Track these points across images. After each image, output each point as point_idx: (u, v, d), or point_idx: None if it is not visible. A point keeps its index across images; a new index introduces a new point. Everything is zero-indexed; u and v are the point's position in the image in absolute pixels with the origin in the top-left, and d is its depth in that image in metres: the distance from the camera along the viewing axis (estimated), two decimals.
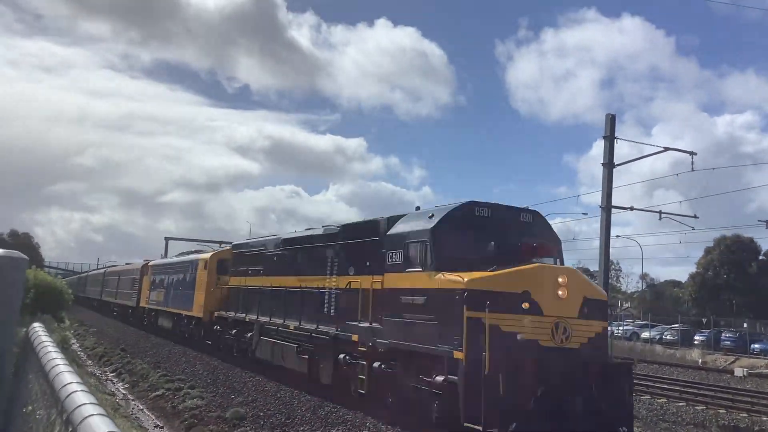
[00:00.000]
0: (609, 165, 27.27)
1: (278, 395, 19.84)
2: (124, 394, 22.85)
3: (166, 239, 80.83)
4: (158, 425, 18.06)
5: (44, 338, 3.09)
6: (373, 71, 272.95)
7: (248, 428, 16.18)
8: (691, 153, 28.12)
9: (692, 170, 27.99)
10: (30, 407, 2.49)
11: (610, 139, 27.27)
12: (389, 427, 15.39)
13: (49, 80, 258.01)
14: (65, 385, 2.02)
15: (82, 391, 1.93)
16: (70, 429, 1.74)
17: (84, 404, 1.80)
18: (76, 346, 34.45)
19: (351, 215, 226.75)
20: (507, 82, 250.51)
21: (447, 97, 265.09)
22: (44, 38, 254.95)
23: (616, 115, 28.73)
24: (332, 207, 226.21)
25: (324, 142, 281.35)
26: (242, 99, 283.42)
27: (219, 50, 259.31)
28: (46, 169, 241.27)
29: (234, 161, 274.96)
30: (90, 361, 30.56)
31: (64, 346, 21.22)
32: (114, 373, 27.32)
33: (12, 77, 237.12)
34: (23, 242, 72.04)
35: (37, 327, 3.62)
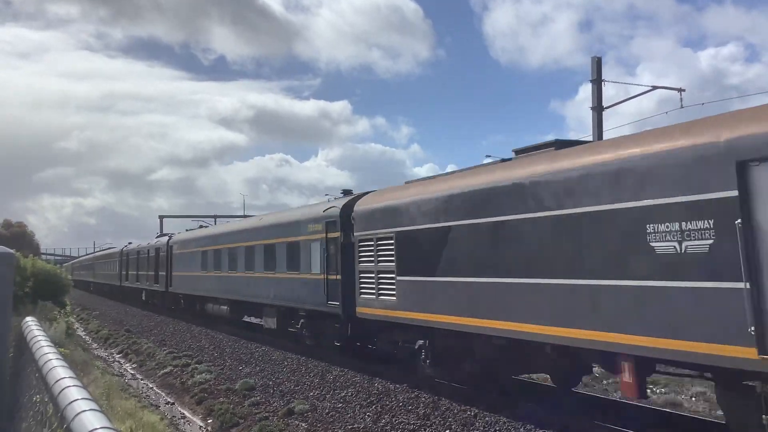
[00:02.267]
0: (598, 108, 27.09)
1: (285, 363, 19.99)
2: (132, 374, 23.01)
3: (161, 217, 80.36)
4: (169, 402, 18.21)
5: (37, 332, 3.06)
6: (349, 31, 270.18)
7: (259, 397, 16.34)
8: (680, 90, 27.90)
9: (681, 107, 27.84)
10: (35, 398, 2.48)
11: (597, 83, 27.06)
12: (397, 385, 15.54)
13: (27, 66, 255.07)
14: (58, 380, 1.99)
15: (75, 386, 1.90)
16: (65, 425, 1.71)
17: (76, 400, 1.76)
18: (80, 331, 34.58)
19: (343, 179, 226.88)
20: (485, 33, 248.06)
21: (426, 52, 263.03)
22: (16, 24, 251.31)
23: (592, 57, 28.34)
24: (323, 172, 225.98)
25: (308, 107, 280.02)
26: (221, 70, 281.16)
27: (190, 22, 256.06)
28: (33, 156, 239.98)
29: (219, 134, 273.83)
30: (96, 344, 30.71)
31: (68, 332, 21.28)
32: (120, 354, 27.47)
33: None
34: (18, 232, 71.66)
35: (30, 321, 3.59)
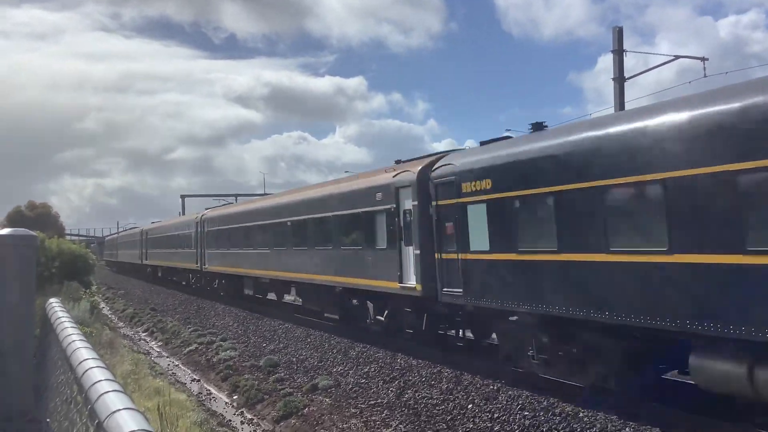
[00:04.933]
0: (620, 79, 26.69)
1: (308, 340, 20.15)
2: (158, 351, 23.33)
3: (182, 197, 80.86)
4: (195, 378, 18.48)
5: (61, 314, 3.10)
6: (358, 6, 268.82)
7: (283, 374, 16.51)
8: (703, 59, 27.38)
9: (705, 76, 27.38)
10: (61, 378, 2.53)
11: (618, 53, 26.62)
12: (420, 361, 15.60)
13: (44, 47, 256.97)
14: (82, 361, 2.02)
15: (98, 367, 1.92)
16: (89, 406, 1.73)
17: (100, 381, 1.78)
18: (106, 310, 35.08)
19: (361, 156, 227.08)
20: (496, 5, 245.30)
21: (438, 26, 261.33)
22: (32, 5, 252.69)
23: (613, 27, 27.88)
24: (341, 149, 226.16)
25: (323, 84, 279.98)
26: (233, 48, 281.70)
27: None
28: (52, 138, 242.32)
29: (234, 112, 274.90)
30: (122, 323, 31.16)
31: (93, 311, 21.58)
32: (146, 333, 27.86)
33: (6, 48, 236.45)
34: (43, 213, 72.39)
35: (54, 302, 3.65)
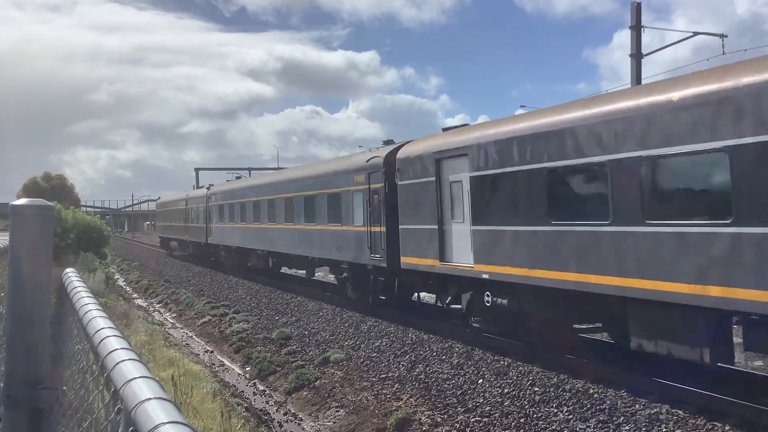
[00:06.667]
0: (637, 56, 26.35)
1: (320, 314, 20.28)
2: (172, 323, 23.57)
3: (196, 170, 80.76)
4: (208, 350, 18.68)
5: (77, 283, 3.14)
6: None
7: (295, 346, 16.65)
8: (722, 36, 26.99)
9: (723, 54, 26.99)
10: (77, 348, 2.58)
11: (636, 29, 26.26)
12: (431, 336, 15.68)
13: (58, 19, 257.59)
14: (98, 330, 2.05)
15: (114, 336, 1.95)
16: (105, 374, 1.76)
17: (116, 349, 1.81)
18: (121, 281, 35.41)
19: (373, 131, 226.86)
20: None
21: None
22: None
23: (631, 2, 27.43)
24: (354, 124, 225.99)
25: (336, 58, 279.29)
26: (244, 21, 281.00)
27: None
28: (66, 109, 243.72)
29: (246, 86, 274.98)
30: (136, 294, 31.46)
31: (108, 282, 21.80)
32: (160, 304, 28.14)
33: (20, 19, 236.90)
34: (58, 184, 72.77)
35: (70, 272, 3.69)
